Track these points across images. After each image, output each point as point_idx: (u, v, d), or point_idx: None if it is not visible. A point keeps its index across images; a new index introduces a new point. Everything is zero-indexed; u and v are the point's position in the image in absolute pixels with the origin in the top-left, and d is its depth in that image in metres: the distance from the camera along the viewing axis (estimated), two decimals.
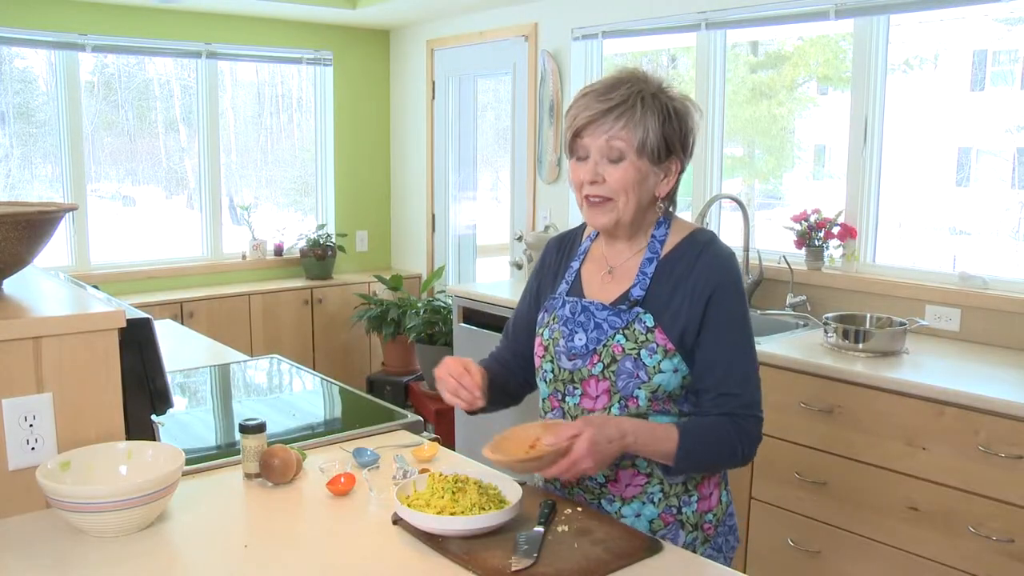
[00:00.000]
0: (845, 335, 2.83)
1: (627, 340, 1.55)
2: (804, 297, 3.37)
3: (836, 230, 3.35)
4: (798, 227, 3.42)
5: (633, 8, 4.00)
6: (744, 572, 2.18)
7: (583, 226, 1.77)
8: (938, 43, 3.40)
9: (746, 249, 3.53)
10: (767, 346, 2.88)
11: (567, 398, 1.62)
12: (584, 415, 1.58)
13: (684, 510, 1.61)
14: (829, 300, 3.32)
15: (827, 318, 2.95)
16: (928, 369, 2.65)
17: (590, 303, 1.62)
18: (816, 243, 3.38)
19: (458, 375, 1.59)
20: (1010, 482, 2.31)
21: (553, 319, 1.66)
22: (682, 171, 1.59)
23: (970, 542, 2.39)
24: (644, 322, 1.55)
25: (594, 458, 1.43)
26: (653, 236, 1.62)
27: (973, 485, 2.38)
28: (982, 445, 2.35)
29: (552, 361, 1.64)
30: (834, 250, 3.40)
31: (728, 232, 3.90)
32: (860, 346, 2.79)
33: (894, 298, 3.14)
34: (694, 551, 1.61)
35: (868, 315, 3.04)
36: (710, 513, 1.64)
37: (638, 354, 1.53)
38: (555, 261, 1.76)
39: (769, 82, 3.97)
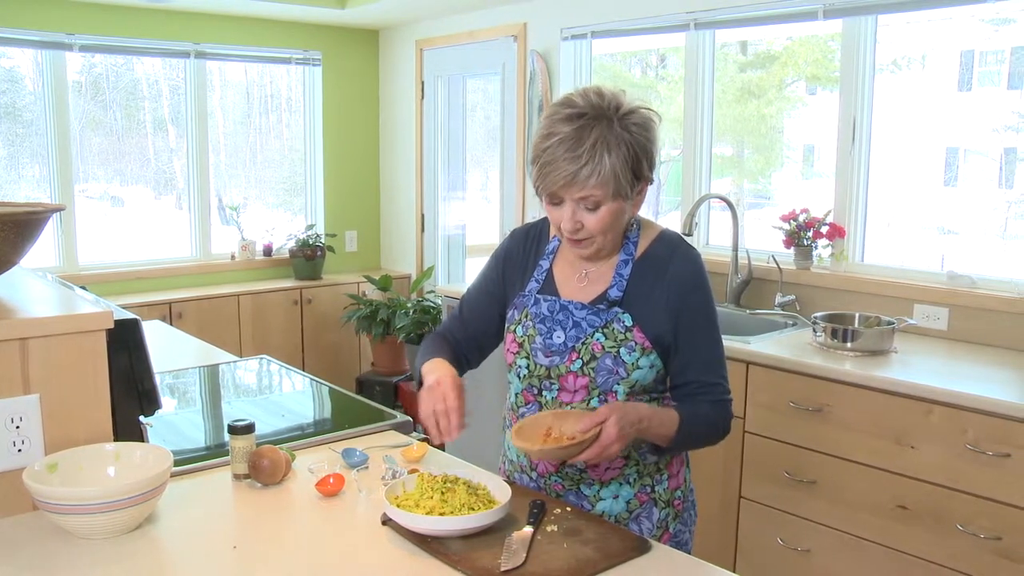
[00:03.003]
0: (834, 334, 2.84)
1: (606, 338, 1.60)
2: (793, 296, 3.38)
3: (825, 229, 3.36)
4: (787, 226, 3.43)
5: (622, 8, 4.01)
6: (734, 571, 2.18)
7: (547, 220, 1.77)
8: (926, 43, 3.42)
9: (735, 249, 3.54)
10: (756, 345, 2.89)
11: (544, 393, 1.66)
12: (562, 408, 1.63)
13: (657, 488, 1.69)
14: (818, 299, 3.33)
15: (816, 317, 2.96)
16: (916, 368, 2.66)
17: (568, 302, 1.65)
18: (805, 242, 3.39)
19: (449, 409, 1.54)
20: (998, 480, 2.32)
21: (526, 316, 1.68)
22: (651, 182, 1.61)
23: (958, 540, 2.40)
24: (623, 321, 1.60)
25: (621, 443, 1.48)
26: (627, 238, 1.66)
27: (961, 483, 2.39)
28: (970, 443, 2.36)
29: (528, 357, 1.67)
30: (823, 249, 3.41)
31: (717, 232, 3.91)
32: (849, 345, 2.80)
33: (882, 297, 3.16)
34: (667, 528, 1.70)
35: (857, 314, 3.05)
36: (679, 490, 1.73)
37: (617, 352, 1.59)
38: (522, 255, 1.77)
39: (758, 82, 3.98)
